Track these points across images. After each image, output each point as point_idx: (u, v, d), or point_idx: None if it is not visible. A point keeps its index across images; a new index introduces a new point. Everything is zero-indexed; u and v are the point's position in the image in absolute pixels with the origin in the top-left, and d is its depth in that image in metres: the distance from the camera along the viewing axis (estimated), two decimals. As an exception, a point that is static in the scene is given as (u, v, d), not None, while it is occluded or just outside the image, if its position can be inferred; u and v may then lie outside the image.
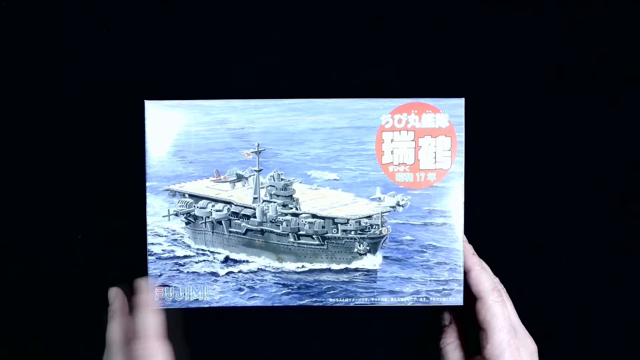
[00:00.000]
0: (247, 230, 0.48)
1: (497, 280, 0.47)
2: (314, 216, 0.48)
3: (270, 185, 0.47)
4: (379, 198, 0.47)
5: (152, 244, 0.47)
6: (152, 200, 0.47)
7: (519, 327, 0.46)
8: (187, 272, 0.47)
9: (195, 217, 0.48)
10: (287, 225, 0.48)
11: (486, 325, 0.45)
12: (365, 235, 0.47)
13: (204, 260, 0.48)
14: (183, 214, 0.48)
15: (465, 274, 0.47)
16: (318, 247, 0.48)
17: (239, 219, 0.49)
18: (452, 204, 0.47)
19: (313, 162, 0.47)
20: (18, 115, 0.53)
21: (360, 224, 0.47)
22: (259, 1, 0.53)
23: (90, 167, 0.53)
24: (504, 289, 0.47)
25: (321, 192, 0.47)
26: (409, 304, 0.47)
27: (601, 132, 0.54)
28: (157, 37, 0.53)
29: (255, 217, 0.48)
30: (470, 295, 0.46)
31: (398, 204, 0.47)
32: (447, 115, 0.47)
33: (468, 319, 0.48)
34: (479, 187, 0.51)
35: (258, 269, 0.47)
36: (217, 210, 0.48)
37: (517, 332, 0.46)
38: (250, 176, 0.48)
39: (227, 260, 0.48)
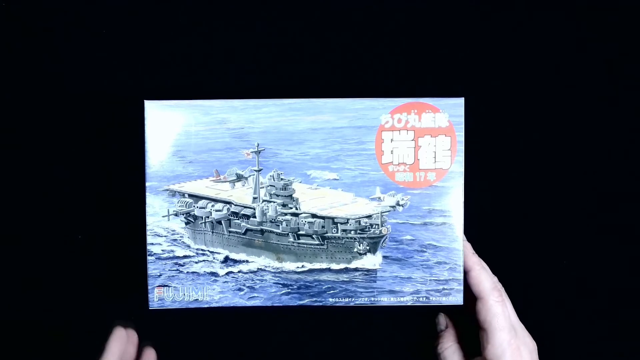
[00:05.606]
0: (247, 230, 0.48)
1: (495, 279, 0.47)
2: (313, 216, 0.47)
3: (270, 185, 0.47)
4: (379, 198, 0.47)
5: (152, 244, 0.47)
6: (152, 200, 0.47)
7: (518, 327, 0.46)
8: (187, 272, 0.47)
9: (195, 217, 0.48)
10: (286, 225, 0.48)
11: (487, 326, 0.45)
12: (365, 235, 0.47)
13: (203, 260, 0.48)
14: (183, 214, 0.48)
15: (465, 273, 0.46)
16: (318, 247, 0.48)
17: (238, 219, 0.49)
18: (452, 203, 0.47)
19: (313, 162, 0.47)
20: (18, 115, 0.53)
21: (360, 223, 0.47)
22: (259, 1, 0.53)
23: (90, 167, 0.53)
24: (503, 289, 0.47)
25: (321, 192, 0.47)
26: (409, 304, 0.47)
27: (601, 132, 0.54)
28: (156, 37, 0.53)
29: (255, 217, 0.48)
30: (469, 296, 0.46)
31: (398, 204, 0.47)
32: (446, 115, 0.47)
33: (466, 319, 0.48)
34: (479, 186, 0.51)
35: (258, 269, 0.47)
36: (216, 210, 0.48)
37: (517, 331, 0.45)
38: (250, 176, 0.48)
39: (226, 260, 0.48)
